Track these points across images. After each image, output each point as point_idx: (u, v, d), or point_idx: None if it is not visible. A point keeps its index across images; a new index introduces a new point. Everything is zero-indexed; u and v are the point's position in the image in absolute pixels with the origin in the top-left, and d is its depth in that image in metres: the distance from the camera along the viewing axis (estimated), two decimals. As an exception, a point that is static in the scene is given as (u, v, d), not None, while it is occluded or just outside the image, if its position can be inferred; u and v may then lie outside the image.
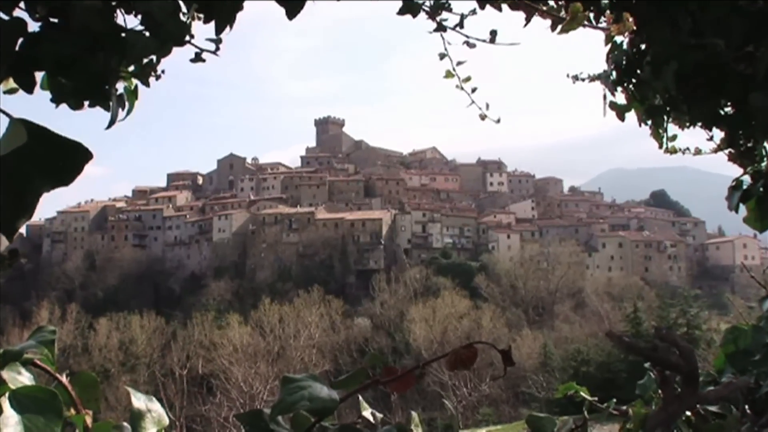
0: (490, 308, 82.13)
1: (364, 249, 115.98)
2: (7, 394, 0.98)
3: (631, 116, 2.75)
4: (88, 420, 1.15)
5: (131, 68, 1.93)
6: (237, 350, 72.37)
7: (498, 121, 3.01)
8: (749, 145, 2.63)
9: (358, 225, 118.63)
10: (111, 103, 1.86)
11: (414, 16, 2.49)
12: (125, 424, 1.17)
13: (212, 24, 1.94)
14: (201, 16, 1.94)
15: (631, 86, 2.66)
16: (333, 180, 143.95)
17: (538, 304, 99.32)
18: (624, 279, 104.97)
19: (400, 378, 1.16)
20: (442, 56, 2.80)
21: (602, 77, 2.76)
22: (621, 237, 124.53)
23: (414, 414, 1.48)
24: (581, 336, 74.59)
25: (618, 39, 2.63)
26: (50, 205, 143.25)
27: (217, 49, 2.03)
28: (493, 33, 2.63)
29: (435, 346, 72.29)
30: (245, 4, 1.92)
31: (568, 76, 3.09)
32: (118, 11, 1.76)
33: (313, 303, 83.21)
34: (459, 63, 2.84)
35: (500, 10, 2.46)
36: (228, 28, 1.94)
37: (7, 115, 1.05)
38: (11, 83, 1.64)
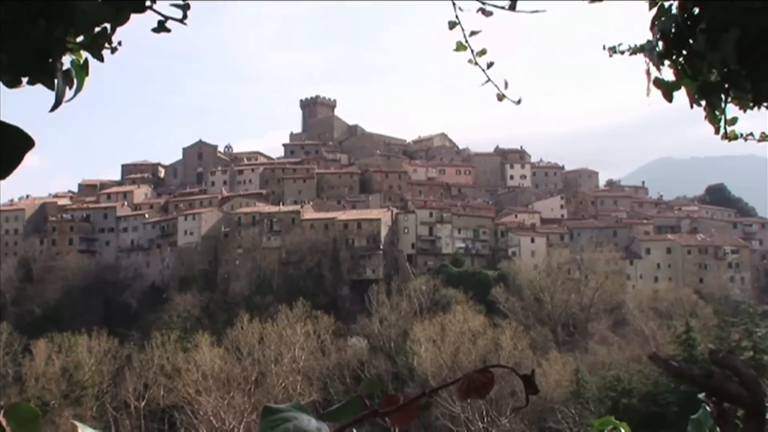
0: (510, 326, 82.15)
1: (360, 255, 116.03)
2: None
3: (681, 95, 2.75)
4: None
5: (80, 39, 1.93)
6: (206, 377, 72.35)
7: (519, 102, 3.01)
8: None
9: (352, 226, 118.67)
10: (56, 80, 1.85)
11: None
12: None
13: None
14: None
15: (681, 59, 2.66)
16: (322, 172, 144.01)
17: (569, 321, 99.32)
18: (673, 292, 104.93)
19: (402, 408, 1.14)
20: (452, 25, 2.80)
21: (646, 49, 2.76)
22: (670, 241, 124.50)
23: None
24: (621, 360, 74.68)
25: (665, 3, 2.64)
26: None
27: (185, 16, 2.02)
28: (515, -3, 2.63)
29: (445, 372, 72.30)
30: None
31: (604, 48, 3.09)
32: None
33: (298, 320, 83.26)
34: (473, 33, 2.84)
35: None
36: (197, -10, 1.94)
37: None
38: None
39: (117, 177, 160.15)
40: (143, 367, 78.79)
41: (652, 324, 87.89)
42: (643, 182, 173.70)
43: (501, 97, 2.97)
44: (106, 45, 1.97)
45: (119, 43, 1.97)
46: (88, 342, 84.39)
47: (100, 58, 1.98)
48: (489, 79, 2.90)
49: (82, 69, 1.98)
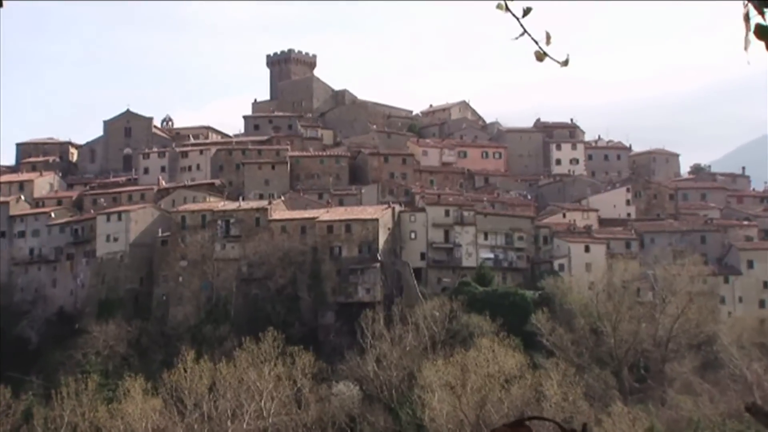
0: (557, 368, 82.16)
1: (350, 269, 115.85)
2: None
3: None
4: None
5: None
6: (137, 438, 72.36)
7: (566, 62, 3.04)
8: None
9: (339, 230, 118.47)
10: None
11: None
12: None
13: None
14: None
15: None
16: (298, 156, 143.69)
17: (639, 361, 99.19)
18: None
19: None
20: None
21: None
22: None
23: None
24: (713, 416, 74.71)
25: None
26: None
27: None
28: None
29: (467, 430, 72.32)
30: None
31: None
32: None
33: (265, 359, 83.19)
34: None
35: None
36: None
37: None
38: None
39: (10, 161, 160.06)
40: (48, 425, 78.68)
41: (756, 366, 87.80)
42: (743, 168, 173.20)
43: (541, 56, 3.00)
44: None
45: None
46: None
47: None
48: (525, 31, 2.94)
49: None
